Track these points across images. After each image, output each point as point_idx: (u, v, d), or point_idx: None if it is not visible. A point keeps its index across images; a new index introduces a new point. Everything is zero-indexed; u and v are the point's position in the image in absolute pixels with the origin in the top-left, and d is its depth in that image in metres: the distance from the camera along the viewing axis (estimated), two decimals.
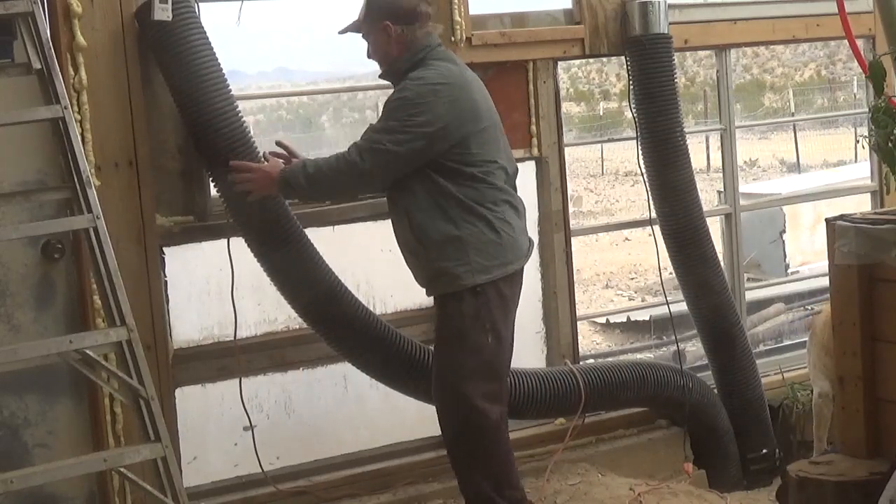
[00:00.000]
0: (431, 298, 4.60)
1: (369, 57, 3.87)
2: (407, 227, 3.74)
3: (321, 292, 4.03)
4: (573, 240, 4.95)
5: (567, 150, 4.89)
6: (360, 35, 3.86)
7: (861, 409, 3.71)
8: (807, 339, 4.87)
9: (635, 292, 12.68)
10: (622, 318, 10.12)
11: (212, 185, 4.05)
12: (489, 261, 3.67)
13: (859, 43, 4.31)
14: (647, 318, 9.85)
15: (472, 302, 3.68)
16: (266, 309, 4.35)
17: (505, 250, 3.71)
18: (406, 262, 3.87)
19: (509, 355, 3.82)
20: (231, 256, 4.10)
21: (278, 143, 3.97)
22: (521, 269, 3.82)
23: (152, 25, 3.80)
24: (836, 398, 3.90)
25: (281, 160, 3.86)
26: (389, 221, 4.49)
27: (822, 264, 4.94)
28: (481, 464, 3.72)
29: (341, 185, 3.75)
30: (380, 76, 3.91)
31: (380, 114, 3.78)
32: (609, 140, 17.57)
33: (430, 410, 4.54)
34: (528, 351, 4.70)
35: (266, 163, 3.85)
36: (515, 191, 3.88)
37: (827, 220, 3.78)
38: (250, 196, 3.80)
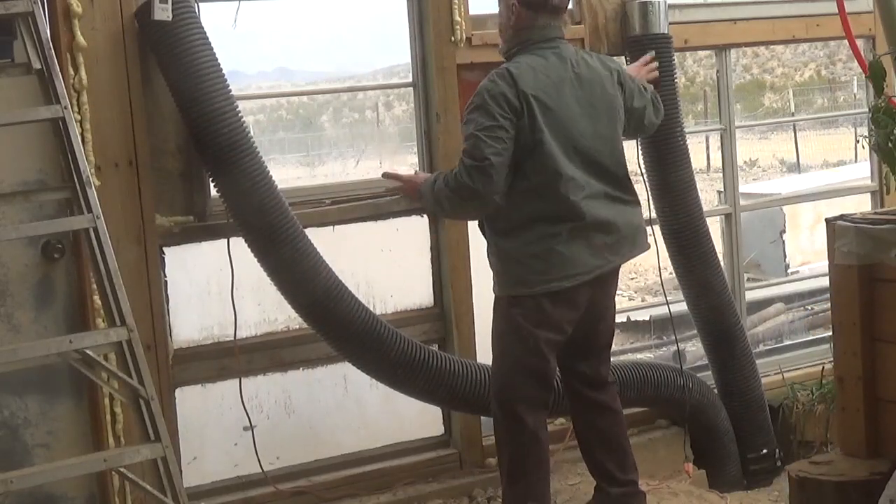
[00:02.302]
0: (431, 298, 4.65)
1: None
2: (485, 228, 3.83)
3: (321, 292, 4.02)
4: None
5: None
6: None
7: (861, 409, 3.71)
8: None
9: (635, 292, 12.67)
10: (622, 318, 10.11)
11: (212, 185, 4.05)
12: (530, 275, 3.66)
13: (859, 43, 4.30)
14: (647, 318, 9.84)
15: (507, 310, 3.71)
16: (266, 309, 4.35)
17: (550, 267, 3.64)
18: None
19: (553, 366, 3.78)
20: (231, 256, 4.10)
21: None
22: (577, 287, 3.69)
23: (152, 25, 3.80)
24: (836, 398, 3.90)
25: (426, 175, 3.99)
26: (389, 222, 4.54)
27: (822, 264, 4.94)
28: (510, 470, 3.74)
29: (459, 207, 3.75)
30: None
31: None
32: None
33: (429, 410, 4.56)
34: None
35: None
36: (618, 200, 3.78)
37: (827, 220, 3.78)
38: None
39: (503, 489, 3.83)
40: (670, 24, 4.82)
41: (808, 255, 11.04)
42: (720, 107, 5.46)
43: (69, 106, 3.39)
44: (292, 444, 4.45)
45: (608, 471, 3.93)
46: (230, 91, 3.91)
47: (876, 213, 4.06)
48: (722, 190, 5.74)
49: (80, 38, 3.79)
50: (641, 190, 4.89)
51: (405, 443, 4.62)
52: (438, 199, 3.72)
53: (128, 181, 3.94)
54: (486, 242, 3.83)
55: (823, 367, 5.31)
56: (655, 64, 4.43)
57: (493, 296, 3.86)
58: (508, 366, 3.74)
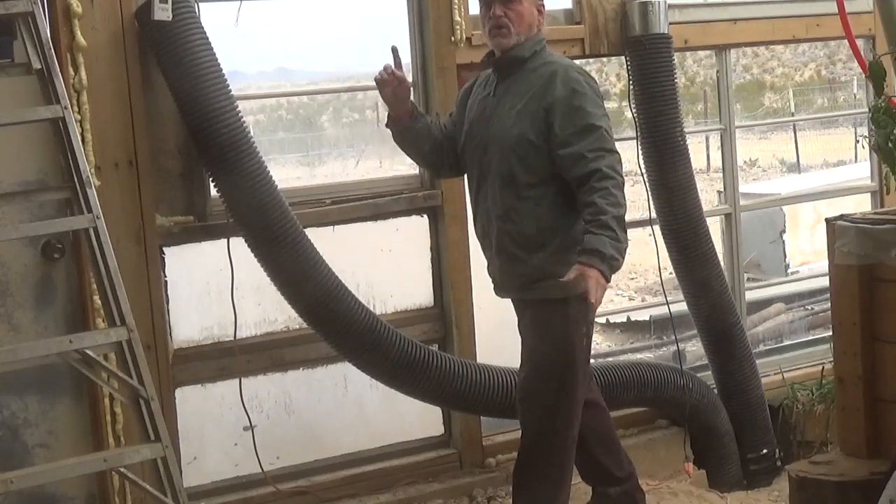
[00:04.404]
0: (431, 298, 4.63)
1: (500, 20, 3.58)
2: (532, 225, 3.53)
3: (321, 292, 4.02)
4: None
5: None
6: None
7: (861, 409, 3.71)
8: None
9: (635, 292, 12.66)
10: (622, 318, 10.12)
11: (212, 185, 4.05)
12: None
13: (859, 43, 4.30)
14: (647, 318, 9.84)
15: (577, 307, 3.54)
16: (266, 309, 4.35)
17: None
18: (502, 261, 3.65)
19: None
20: (231, 256, 4.10)
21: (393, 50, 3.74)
22: None
23: (152, 25, 3.80)
24: (836, 398, 3.90)
25: None
26: (389, 222, 4.52)
27: (822, 264, 4.94)
28: (547, 469, 3.67)
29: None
30: (496, 51, 3.65)
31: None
32: None
33: (430, 410, 4.56)
34: None
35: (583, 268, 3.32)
36: None
37: (827, 220, 3.78)
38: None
39: (522, 492, 3.72)
40: (670, 24, 4.83)
41: (808, 255, 11.03)
42: (720, 107, 5.46)
43: (69, 106, 3.39)
44: (292, 444, 4.45)
45: (605, 469, 3.90)
46: (230, 91, 3.91)
47: (876, 213, 4.06)
48: (722, 190, 5.74)
49: (80, 38, 3.79)
50: (641, 190, 4.91)
51: (405, 443, 4.62)
52: (622, 228, 3.39)
53: (128, 181, 3.94)
54: (543, 243, 3.54)
55: (823, 367, 5.31)
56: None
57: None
58: (583, 373, 3.64)
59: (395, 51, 3.74)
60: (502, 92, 3.65)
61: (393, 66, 3.72)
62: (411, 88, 3.81)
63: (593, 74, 3.75)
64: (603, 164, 3.41)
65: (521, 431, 3.78)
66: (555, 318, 3.59)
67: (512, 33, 3.59)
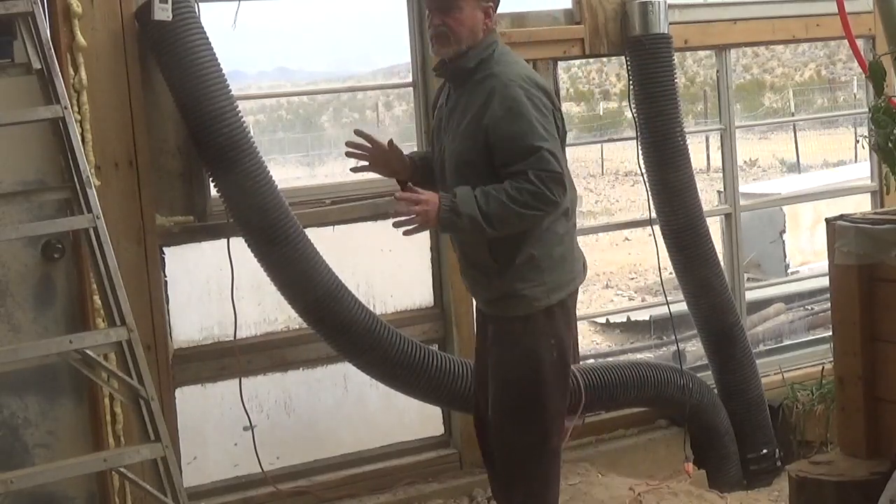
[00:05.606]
0: (431, 298, 4.63)
1: (438, 28, 3.45)
2: (485, 247, 3.42)
3: (321, 292, 4.02)
4: None
5: (567, 150, 4.84)
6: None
7: (861, 409, 3.71)
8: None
9: (635, 292, 12.68)
10: (622, 318, 10.13)
11: (212, 185, 4.05)
12: (563, 276, 3.48)
13: (859, 43, 4.30)
14: (647, 318, 9.86)
15: (543, 322, 3.45)
16: (266, 309, 4.35)
17: (574, 264, 3.53)
18: (468, 278, 3.61)
19: (570, 368, 3.65)
20: (231, 256, 4.10)
21: (357, 132, 3.57)
22: None
23: (152, 25, 3.80)
24: (836, 398, 3.90)
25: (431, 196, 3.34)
26: (389, 222, 4.52)
27: (822, 264, 4.95)
28: (529, 483, 3.61)
29: (527, 222, 3.34)
30: (445, 59, 3.48)
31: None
32: (609, 140, 17.64)
33: (430, 410, 4.56)
34: None
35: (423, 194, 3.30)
36: None
37: (827, 220, 3.78)
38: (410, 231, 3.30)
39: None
40: (670, 24, 4.83)
41: (808, 255, 11.05)
42: (720, 107, 5.46)
43: (69, 106, 3.39)
44: (292, 444, 4.45)
45: None
46: (230, 91, 3.92)
47: (876, 213, 4.06)
48: (722, 190, 5.75)
49: (80, 38, 3.80)
50: (641, 190, 4.91)
51: (405, 443, 4.62)
52: (499, 216, 3.26)
53: (128, 181, 3.94)
54: (497, 261, 3.43)
55: (823, 367, 5.31)
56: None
57: None
58: (556, 391, 3.52)
59: (358, 133, 3.60)
60: (453, 104, 3.51)
61: (365, 141, 3.56)
62: (400, 149, 3.62)
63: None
64: (538, 180, 3.28)
65: (494, 447, 3.68)
66: (518, 333, 3.49)
67: (451, 42, 3.43)
